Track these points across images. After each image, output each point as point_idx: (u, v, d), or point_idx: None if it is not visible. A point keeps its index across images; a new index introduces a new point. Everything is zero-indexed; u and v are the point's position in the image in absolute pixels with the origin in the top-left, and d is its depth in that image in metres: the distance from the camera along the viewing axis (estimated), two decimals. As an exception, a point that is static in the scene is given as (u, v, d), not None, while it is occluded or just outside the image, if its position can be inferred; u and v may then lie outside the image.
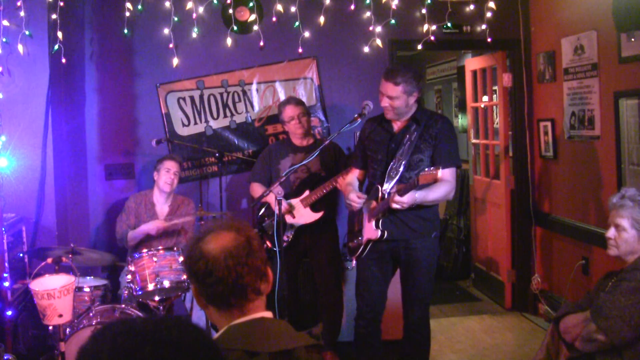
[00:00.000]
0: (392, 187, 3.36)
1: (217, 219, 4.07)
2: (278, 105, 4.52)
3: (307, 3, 4.69)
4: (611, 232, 2.83)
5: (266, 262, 1.72)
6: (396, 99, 3.41)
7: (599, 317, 2.66)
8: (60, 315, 3.24)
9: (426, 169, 3.14)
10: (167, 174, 4.29)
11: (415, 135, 3.44)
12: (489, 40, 4.86)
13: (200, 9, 4.58)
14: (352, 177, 3.77)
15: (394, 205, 3.25)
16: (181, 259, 3.67)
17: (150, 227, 4.18)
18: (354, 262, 3.66)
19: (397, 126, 3.54)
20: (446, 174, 3.39)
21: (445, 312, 5.34)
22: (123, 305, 3.66)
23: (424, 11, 4.82)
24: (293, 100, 4.36)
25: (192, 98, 4.93)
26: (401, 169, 3.42)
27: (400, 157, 3.43)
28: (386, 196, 3.35)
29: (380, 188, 3.43)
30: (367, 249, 3.50)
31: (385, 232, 3.41)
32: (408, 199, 3.23)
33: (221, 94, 4.96)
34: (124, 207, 4.40)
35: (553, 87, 4.82)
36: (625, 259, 2.81)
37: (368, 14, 4.66)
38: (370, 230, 3.43)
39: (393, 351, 3.97)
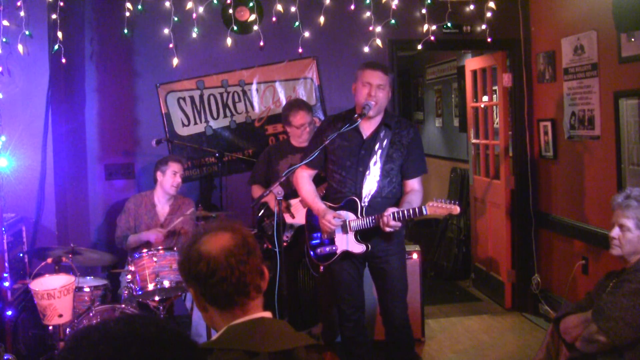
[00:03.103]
0: (387, 210, 3.26)
1: (210, 221, 4.07)
2: (286, 106, 4.49)
3: (307, 3, 4.68)
4: (615, 232, 2.82)
5: (263, 260, 1.74)
6: (383, 88, 3.36)
7: (601, 318, 2.65)
8: (60, 315, 3.25)
9: (438, 202, 3.19)
10: (174, 177, 4.30)
11: (387, 143, 3.39)
12: (489, 40, 4.86)
13: (200, 9, 4.58)
14: (312, 185, 3.61)
15: (387, 229, 3.25)
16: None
17: (150, 235, 4.18)
18: (321, 268, 3.59)
19: (367, 131, 3.45)
20: (417, 183, 3.49)
21: (445, 312, 5.33)
22: (123, 305, 3.66)
23: (424, 11, 4.82)
24: (305, 107, 4.36)
25: (192, 98, 4.93)
26: (376, 179, 3.39)
27: (373, 167, 3.37)
28: (374, 217, 3.31)
29: (359, 201, 3.38)
30: (339, 257, 3.48)
31: (370, 246, 3.40)
32: (400, 223, 3.26)
33: (221, 94, 4.96)
34: (123, 209, 4.39)
35: (553, 87, 4.82)
36: (628, 259, 2.81)
37: (368, 14, 4.66)
38: (352, 244, 3.41)
39: (382, 351, 3.97)
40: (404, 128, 3.48)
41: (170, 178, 4.29)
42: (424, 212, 3.21)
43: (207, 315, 1.70)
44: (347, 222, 3.41)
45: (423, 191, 3.52)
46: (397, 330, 3.54)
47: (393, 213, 3.22)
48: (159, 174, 4.34)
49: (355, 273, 3.56)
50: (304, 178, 3.62)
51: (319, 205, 3.50)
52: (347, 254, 3.46)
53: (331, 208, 3.50)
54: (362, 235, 3.41)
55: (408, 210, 3.23)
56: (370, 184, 3.39)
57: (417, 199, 3.39)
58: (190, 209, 4.43)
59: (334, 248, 3.47)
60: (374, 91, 3.33)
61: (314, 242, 3.61)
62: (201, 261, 1.62)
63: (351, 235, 3.41)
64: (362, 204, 3.38)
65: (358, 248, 3.41)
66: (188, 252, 1.67)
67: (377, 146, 3.39)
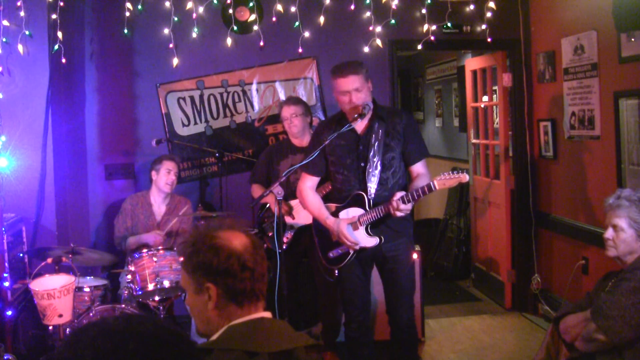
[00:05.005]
0: (395, 195, 3.25)
1: (211, 221, 4.07)
2: (279, 104, 4.54)
3: (307, 3, 4.69)
4: (609, 233, 2.82)
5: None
6: (361, 89, 3.34)
7: (599, 316, 2.65)
8: (60, 315, 3.25)
9: (445, 175, 3.17)
10: (168, 175, 4.30)
11: (382, 134, 3.39)
12: (489, 40, 4.86)
13: (200, 9, 4.58)
14: (316, 196, 3.58)
15: (399, 214, 3.23)
16: (181, 259, 3.67)
17: (149, 238, 4.18)
18: (337, 271, 3.56)
19: (361, 126, 3.45)
20: (422, 167, 3.48)
21: (445, 312, 5.33)
22: (123, 305, 3.66)
23: (424, 11, 4.82)
24: (290, 101, 4.37)
25: (192, 98, 4.93)
26: (378, 171, 3.39)
27: (373, 159, 3.37)
28: (384, 205, 3.29)
29: (365, 195, 3.38)
30: (353, 256, 3.47)
31: (382, 239, 3.39)
32: (411, 205, 3.25)
33: (221, 94, 4.96)
34: (120, 209, 4.40)
35: (553, 87, 4.82)
36: (624, 259, 2.80)
37: (368, 14, 4.66)
38: (364, 239, 3.39)
39: (384, 351, 3.97)
40: (396, 116, 3.48)
41: (164, 176, 4.30)
42: (434, 188, 3.18)
43: (219, 314, 1.67)
44: (357, 218, 3.40)
45: (430, 174, 3.49)
46: (403, 330, 3.54)
47: (402, 197, 3.22)
48: (153, 173, 4.35)
49: (363, 274, 3.55)
50: (307, 189, 3.58)
51: (330, 220, 3.46)
52: (358, 252, 3.44)
53: (337, 208, 3.50)
54: (372, 229, 3.40)
55: (417, 190, 3.21)
56: (374, 177, 3.39)
57: (425, 182, 3.35)
58: (188, 209, 4.43)
59: (346, 248, 3.45)
60: (354, 97, 3.33)
61: (324, 246, 3.58)
62: (232, 256, 1.64)
63: (362, 230, 3.40)
64: (369, 197, 3.38)
65: (371, 242, 3.39)
66: (209, 249, 1.66)
67: (373, 138, 3.39)
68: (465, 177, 3.18)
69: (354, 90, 3.33)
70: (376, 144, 3.38)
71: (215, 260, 1.65)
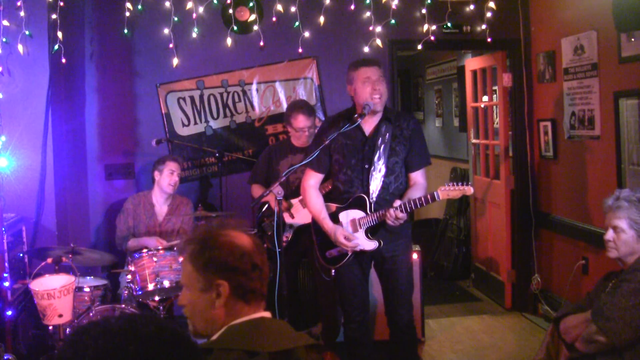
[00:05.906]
0: (395, 202, 3.27)
1: (215, 220, 4.07)
2: (289, 106, 4.43)
3: (307, 3, 4.69)
4: (609, 235, 2.81)
5: None
6: (383, 81, 3.36)
7: (600, 318, 2.65)
8: (60, 315, 3.25)
9: (449, 186, 3.21)
10: (171, 176, 4.30)
11: (389, 137, 3.38)
12: (489, 40, 4.86)
13: (200, 9, 4.59)
14: (319, 198, 3.54)
15: (391, 223, 3.24)
16: (181, 259, 3.66)
17: (151, 242, 4.17)
18: (333, 271, 3.55)
19: (368, 127, 3.44)
20: (421, 176, 3.49)
21: (445, 312, 5.33)
22: (123, 305, 3.66)
23: (424, 11, 4.82)
24: (306, 110, 4.23)
25: (192, 98, 4.93)
26: (381, 174, 3.38)
27: (378, 162, 3.36)
28: (382, 212, 3.30)
29: (367, 198, 3.37)
30: (351, 258, 3.46)
31: (382, 242, 3.39)
32: (406, 214, 3.25)
33: (221, 94, 4.96)
34: (122, 209, 4.39)
35: (553, 87, 4.82)
36: (625, 260, 2.80)
37: (368, 14, 4.66)
38: (363, 242, 3.39)
39: (383, 351, 3.97)
40: (404, 120, 3.48)
41: (167, 177, 4.30)
42: (437, 198, 3.20)
43: (226, 312, 1.66)
44: (357, 221, 3.40)
45: (426, 185, 3.51)
46: (402, 330, 3.54)
47: (400, 205, 3.22)
48: (156, 174, 4.35)
49: (361, 274, 3.55)
50: (311, 188, 3.55)
51: (328, 224, 3.45)
52: (356, 253, 3.45)
53: (338, 208, 3.49)
54: (372, 232, 3.40)
55: (420, 199, 3.22)
56: (377, 180, 3.38)
57: (418, 192, 3.37)
58: (190, 209, 4.43)
59: (344, 250, 3.44)
60: (377, 85, 3.33)
61: (323, 246, 3.57)
62: (245, 255, 1.66)
63: (361, 233, 3.40)
64: (371, 200, 3.37)
65: (370, 245, 3.39)
66: (223, 246, 1.67)
67: (379, 141, 3.38)
68: (470, 190, 3.19)
69: (377, 79, 3.34)
70: (382, 146, 3.37)
71: (231, 258, 1.65)
